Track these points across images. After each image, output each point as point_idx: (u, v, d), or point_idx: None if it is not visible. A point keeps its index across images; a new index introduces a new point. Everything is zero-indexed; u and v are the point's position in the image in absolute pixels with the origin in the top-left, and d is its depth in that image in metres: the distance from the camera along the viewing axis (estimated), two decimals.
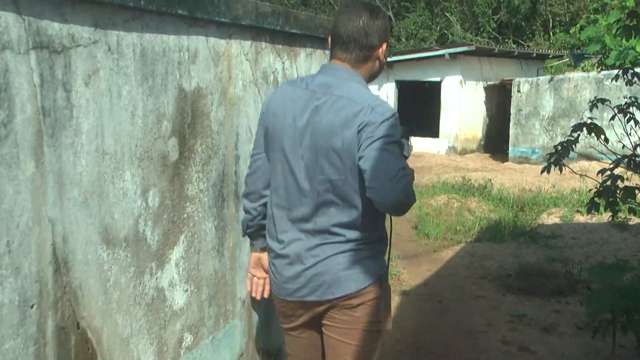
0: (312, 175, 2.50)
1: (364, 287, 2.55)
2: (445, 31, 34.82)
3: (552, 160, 4.99)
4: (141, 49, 2.34)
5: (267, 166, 2.70)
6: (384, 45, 2.60)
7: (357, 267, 2.54)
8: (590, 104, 5.33)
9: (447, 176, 14.98)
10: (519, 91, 18.31)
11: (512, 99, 18.60)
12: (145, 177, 2.38)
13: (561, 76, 17.91)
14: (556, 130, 17.61)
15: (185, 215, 2.67)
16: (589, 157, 11.08)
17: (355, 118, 2.39)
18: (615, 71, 15.90)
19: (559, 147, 5.03)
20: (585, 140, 5.77)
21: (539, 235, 9.39)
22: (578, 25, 20.45)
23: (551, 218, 10.53)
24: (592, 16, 19.12)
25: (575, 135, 4.98)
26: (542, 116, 17.89)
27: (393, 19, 36.84)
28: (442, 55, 19.14)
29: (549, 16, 33.87)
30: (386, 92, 20.86)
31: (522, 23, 34.93)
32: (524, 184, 14.16)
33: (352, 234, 2.53)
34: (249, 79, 3.18)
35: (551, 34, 33.70)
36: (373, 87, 20.24)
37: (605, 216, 8.33)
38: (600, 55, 19.29)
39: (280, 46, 3.53)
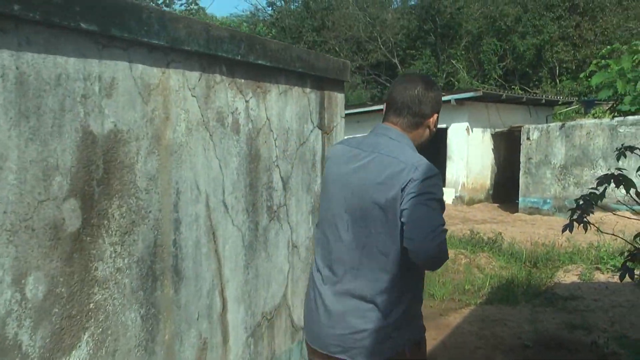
0: (355, 230, 2.55)
1: (398, 352, 2.57)
2: (452, 78, 34.57)
3: (574, 217, 4.31)
4: (17, 74, 1.63)
5: None
6: (435, 116, 2.73)
7: (393, 332, 2.55)
8: (617, 152, 4.65)
9: (454, 228, 14.25)
10: (528, 138, 17.65)
11: (521, 147, 17.92)
12: (20, 257, 1.65)
13: (573, 123, 17.24)
14: (568, 179, 16.89)
15: (91, 306, 1.94)
16: (603, 208, 10.33)
17: (399, 176, 2.45)
18: (632, 117, 15.72)
19: (581, 202, 4.35)
20: None
21: (556, 296, 8.57)
22: (587, 71, 19.84)
23: (568, 276, 9.73)
24: (602, 61, 18.53)
25: (601, 188, 4.29)
26: (554, 165, 17.19)
27: (399, 66, 36.95)
28: (449, 101, 18.52)
29: (555, 63, 33.61)
30: None
31: (528, 70, 34.78)
32: (536, 237, 13.48)
33: (390, 296, 2.54)
34: (196, 121, 2.48)
35: (557, 81, 33.45)
36: None
37: None
38: (612, 101, 18.62)
39: (242, 80, 2.84)
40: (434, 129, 2.77)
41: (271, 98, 3.13)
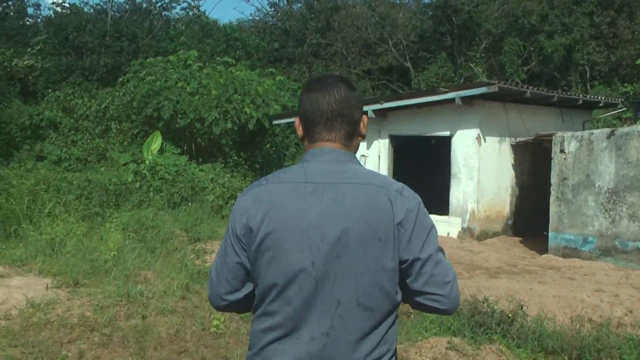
0: (329, 285, 2.10)
1: None
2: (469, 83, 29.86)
3: None
4: None
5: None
6: (365, 117, 2.36)
7: None
8: None
9: None
10: (563, 151, 12.01)
11: (552, 162, 12.29)
12: None
13: (626, 129, 11.52)
14: (620, 209, 11.28)
15: None
16: None
17: (389, 207, 2.12)
18: None
19: None
20: None
21: None
22: None
23: None
24: None
25: None
26: (599, 188, 11.55)
27: (412, 70, 32.77)
28: (452, 100, 12.96)
29: (586, 66, 29.45)
30: (377, 151, 14.81)
31: (556, 74, 30.61)
32: (578, 305, 8.13)
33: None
34: None
35: (589, 86, 29.32)
36: (362, 145, 14.12)
37: None
38: None
39: None
40: (365, 132, 2.37)
41: None
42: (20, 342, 5.70)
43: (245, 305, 2.33)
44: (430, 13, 34.98)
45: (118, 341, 5.97)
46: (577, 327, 7.21)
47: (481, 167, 13.63)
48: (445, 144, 14.20)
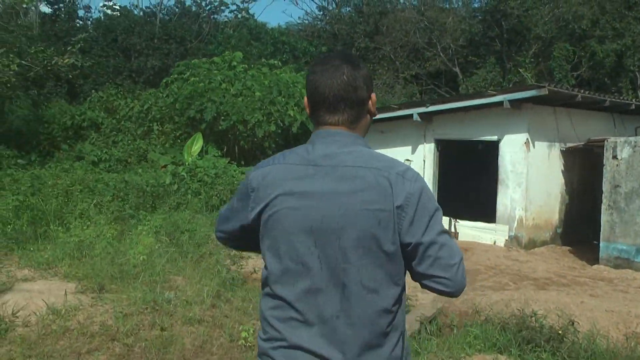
0: (332, 266, 2.10)
1: None
2: None
3: None
4: None
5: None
6: (373, 96, 2.31)
7: None
8: None
9: (498, 297, 8.46)
10: (615, 157, 11.44)
11: (604, 169, 11.74)
12: None
13: None
14: None
15: None
16: None
17: (389, 190, 2.09)
18: None
19: None
20: None
21: None
22: None
23: None
24: None
25: None
26: None
27: (460, 74, 31.74)
28: (500, 103, 12.46)
29: (637, 72, 28.49)
30: (422, 156, 14.35)
31: (606, 80, 29.59)
32: (632, 321, 7.63)
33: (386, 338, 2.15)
34: None
35: (639, 92, 28.37)
36: (405, 149, 13.70)
37: None
38: None
39: None
40: (375, 112, 2.32)
41: None
42: (36, 351, 5.40)
43: (244, 244, 2.44)
44: (479, 17, 34.24)
45: (139, 352, 5.63)
46: (632, 344, 6.75)
47: (529, 173, 13.07)
48: (492, 148, 13.68)
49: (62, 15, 33.48)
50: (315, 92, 2.21)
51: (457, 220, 13.85)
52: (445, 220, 13.73)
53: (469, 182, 15.99)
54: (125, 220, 10.73)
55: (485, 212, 13.79)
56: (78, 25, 33.45)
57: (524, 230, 13.04)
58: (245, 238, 2.36)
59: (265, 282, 2.24)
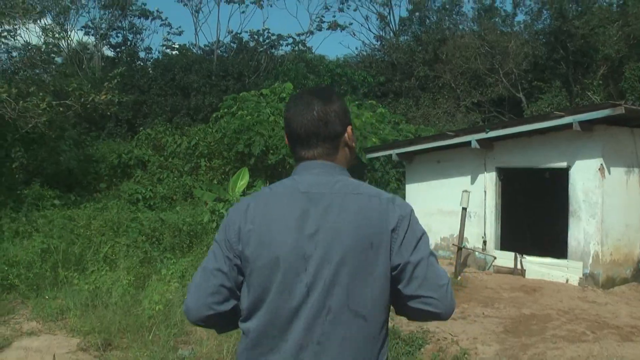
0: (324, 294, 2.04)
1: None
2: None
3: None
4: None
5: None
6: (349, 129, 2.28)
7: None
8: None
9: (574, 351, 7.05)
10: None
11: None
12: None
13: None
14: None
15: None
16: None
17: (382, 215, 2.09)
18: None
19: None
20: None
21: None
22: None
23: None
24: None
25: None
26: None
27: (524, 100, 30.21)
28: (570, 126, 10.96)
29: None
30: (483, 186, 12.90)
31: None
32: None
33: None
34: None
35: None
36: (464, 179, 12.34)
37: None
38: None
39: None
40: (354, 145, 2.32)
41: None
42: None
43: (229, 321, 2.21)
44: (543, 40, 32.76)
45: None
46: None
47: (605, 202, 11.44)
48: (561, 176, 12.13)
49: (124, 58, 33.54)
50: (289, 129, 2.22)
51: (524, 255, 12.33)
52: (510, 256, 12.36)
53: (536, 213, 14.43)
54: (152, 264, 9.80)
55: (555, 247, 12.24)
56: (139, 66, 33.43)
57: (600, 267, 11.40)
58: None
59: (246, 316, 2.21)
